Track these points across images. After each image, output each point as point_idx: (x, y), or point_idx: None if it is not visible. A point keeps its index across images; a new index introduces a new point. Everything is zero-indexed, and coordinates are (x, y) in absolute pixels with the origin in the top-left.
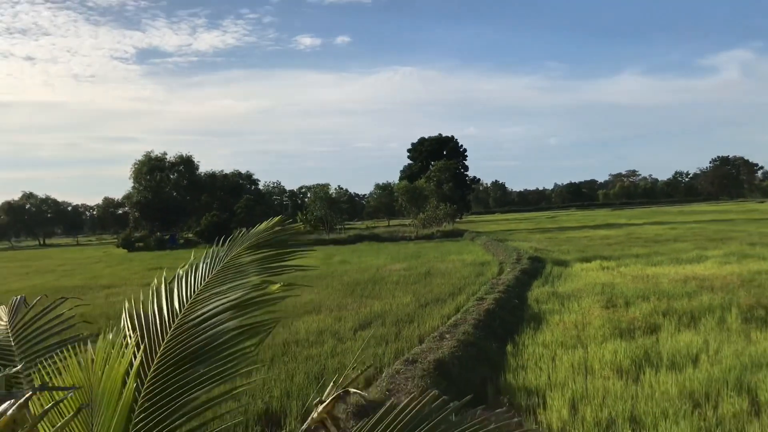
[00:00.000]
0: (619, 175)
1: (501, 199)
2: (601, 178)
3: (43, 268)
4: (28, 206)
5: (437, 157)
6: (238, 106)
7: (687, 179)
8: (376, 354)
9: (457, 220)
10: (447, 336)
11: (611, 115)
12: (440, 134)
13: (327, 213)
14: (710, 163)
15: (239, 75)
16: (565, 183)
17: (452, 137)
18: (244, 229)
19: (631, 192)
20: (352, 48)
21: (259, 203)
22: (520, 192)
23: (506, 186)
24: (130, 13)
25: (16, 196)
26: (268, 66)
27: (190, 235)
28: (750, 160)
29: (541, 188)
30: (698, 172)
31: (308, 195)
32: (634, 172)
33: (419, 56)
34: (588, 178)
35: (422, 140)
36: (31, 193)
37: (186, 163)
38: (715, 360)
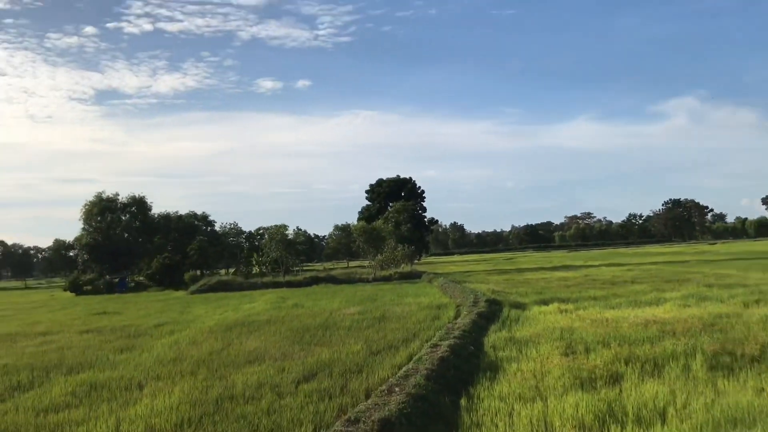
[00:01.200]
0: (575, 217)
1: (460, 240)
2: (557, 220)
3: None
4: None
5: (395, 199)
6: (198, 148)
7: (641, 221)
8: (316, 411)
9: (416, 261)
10: (396, 389)
11: (566, 159)
12: (398, 176)
13: (283, 255)
14: (663, 205)
15: (199, 117)
16: (522, 225)
17: (410, 179)
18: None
19: (586, 234)
20: (313, 91)
21: (213, 244)
22: (479, 234)
23: (465, 228)
24: (90, 54)
25: None
26: (228, 108)
27: (141, 278)
28: (701, 203)
29: (498, 230)
30: (651, 214)
31: (265, 236)
32: (589, 215)
33: (379, 100)
34: (544, 220)
35: (380, 181)
36: None
37: (138, 204)
38: (684, 415)
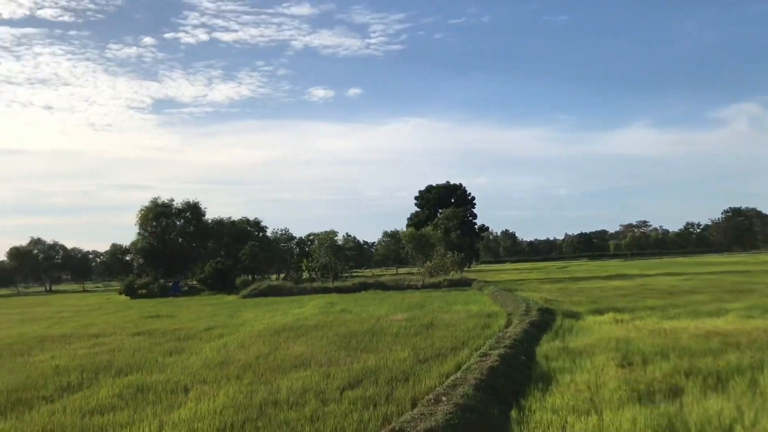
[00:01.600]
0: (630, 225)
1: (511, 248)
2: (612, 228)
3: (40, 315)
4: (35, 252)
5: (445, 205)
6: (251, 156)
7: (698, 230)
8: (360, 420)
9: (466, 269)
10: (444, 399)
11: (620, 166)
12: (448, 182)
13: (332, 260)
14: (722, 214)
15: (253, 125)
16: (575, 233)
17: (460, 185)
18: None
19: (641, 243)
20: (364, 99)
21: (264, 250)
22: (531, 242)
23: (516, 235)
24: (148, 64)
25: (24, 241)
26: (281, 116)
27: (194, 282)
28: (763, 212)
29: (551, 238)
30: (710, 223)
31: (314, 242)
32: (645, 223)
33: (430, 108)
34: (598, 229)
35: (430, 188)
36: (39, 239)
37: (192, 209)
38: None
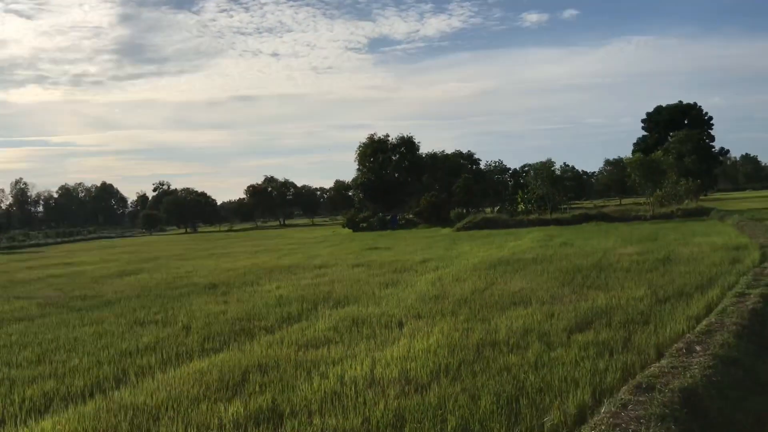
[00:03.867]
0: None
1: (753, 174)
2: None
3: (272, 247)
4: (269, 189)
5: (677, 128)
6: (463, 89)
7: None
8: (594, 370)
9: (702, 197)
10: (698, 348)
11: None
12: (680, 102)
13: (549, 191)
14: None
15: (465, 58)
16: None
17: (695, 104)
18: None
19: None
20: (581, 20)
21: (478, 182)
22: None
23: (759, 160)
24: (362, 4)
25: (259, 180)
26: (493, 46)
27: (411, 216)
28: None
29: None
30: None
31: (530, 173)
32: None
33: (654, 24)
34: None
35: (659, 109)
36: (272, 177)
37: (407, 144)
38: None
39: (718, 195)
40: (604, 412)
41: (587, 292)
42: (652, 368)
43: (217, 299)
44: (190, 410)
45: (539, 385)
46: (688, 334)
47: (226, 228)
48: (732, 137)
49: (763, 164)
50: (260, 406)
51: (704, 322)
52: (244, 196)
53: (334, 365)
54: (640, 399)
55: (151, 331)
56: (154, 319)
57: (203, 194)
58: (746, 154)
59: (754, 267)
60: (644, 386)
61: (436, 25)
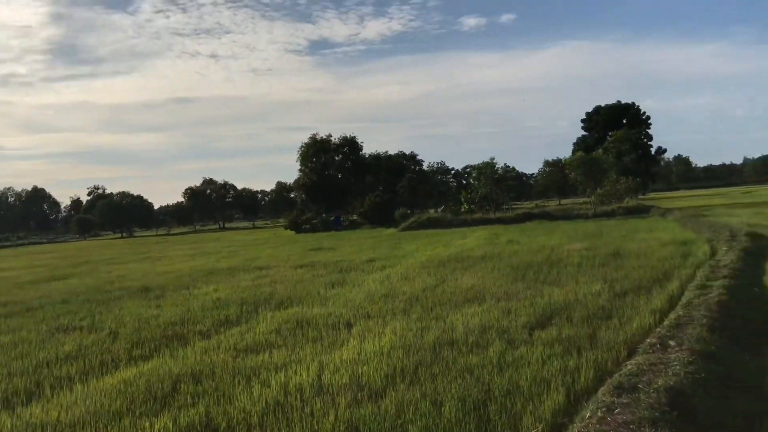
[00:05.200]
0: None
1: (685, 174)
2: None
3: (210, 250)
4: (208, 191)
5: (616, 127)
6: (405, 92)
7: None
8: (564, 369)
9: (640, 196)
10: (672, 344)
11: None
12: (619, 101)
13: (492, 190)
14: None
15: (405, 60)
16: (755, 157)
17: (633, 104)
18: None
19: None
20: (518, 25)
21: (422, 182)
22: (706, 167)
23: (690, 161)
24: (302, 6)
25: (198, 182)
26: (433, 49)
27: (355, 217)
28: None
29: (727, 163)
30: None
31: (473, 174)
32: None
33: (589, 29)
34: None
35: (598, 109)
36: (211, 179)
37: (350, 144)
38: None
39: (652, 195)
40: (588, 418)
41: (542, 287)
42: (629, 366)
43: (150, 303)
44: (110, 427)
45: (507, 388)
46: (657, 328)
47: (163, 232)
48: (665, 138)
49: (694, 165)
50: (192, 421)
51: (672, 316)
52: (182, 199)
53: (276, 371)
54: (625, 401)
55: (74, 338)
56: (79, 326)
57: (139, 197)
58: (679, 155)
59: (708, 260)
60: (626, 387)
61: (376, 28)
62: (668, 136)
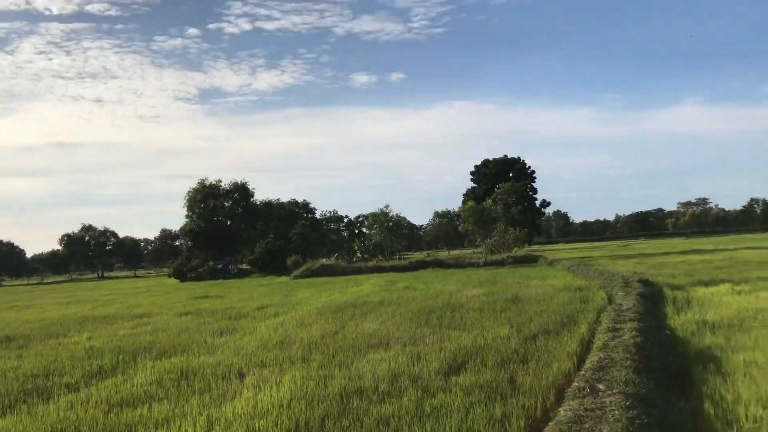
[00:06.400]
0: (689, 203)
1: (564, 229)
2: (666, 207)
3: (87, 298)
4: (87, 238)
5: (503, 180)
6: (297, 143)
7: (762, 207)
8: (491, 419)
9: (526, 246)
10: (601, 387)
11: (672, 145)
12: (506, 155)
13: (387, 238)
14: None
15: (297, 113)
16: (626, 214)
17: (519, 158)
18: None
19: (702, 221)
20: (407, 84)
21: (315, 230)
22: (582, 222)
23: (568, 216)
24: (193, 55)
25: (76, 229)
26: (325, 103)
27: (244, 265)
28: None
29: (601, 219)
30: None
31: (366, 221)
32: (704, 201)
33: (474, 90)
34: (650, 208)
35: (486, 162)
36: (90, 226)
37: (240, 190)
38: None
39: (535, 247)
40: None
41: (448, 332)
42: (563, 412)
43: (10, 354)
44: None
45: None
46: (581, 371)
47: (35, 281)
48: (545, 195)
49: (572, 221)
50: None
51: (594, 358)
52: (59, 246)
53: (157, 428)
54: None
55: None
56: None
57: (9, 244)
58: (558, 210)
59: (608, 305)
60: None
61: (268, 80)
62: (548, 193)
